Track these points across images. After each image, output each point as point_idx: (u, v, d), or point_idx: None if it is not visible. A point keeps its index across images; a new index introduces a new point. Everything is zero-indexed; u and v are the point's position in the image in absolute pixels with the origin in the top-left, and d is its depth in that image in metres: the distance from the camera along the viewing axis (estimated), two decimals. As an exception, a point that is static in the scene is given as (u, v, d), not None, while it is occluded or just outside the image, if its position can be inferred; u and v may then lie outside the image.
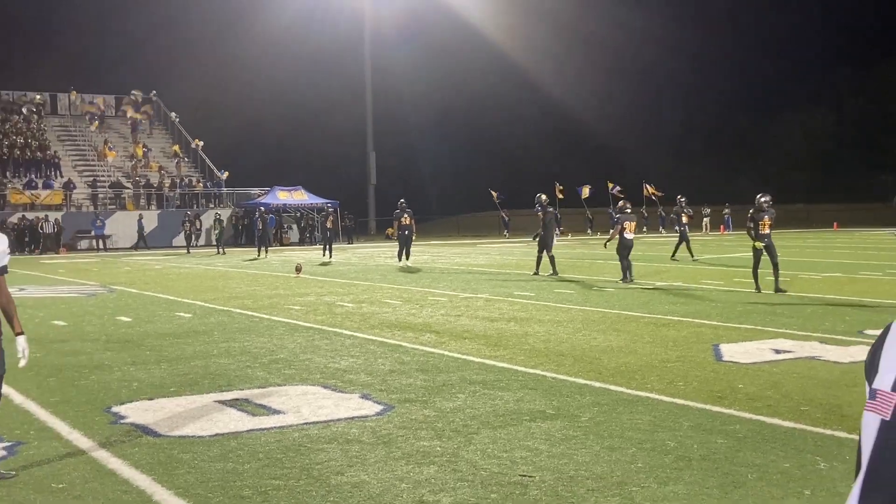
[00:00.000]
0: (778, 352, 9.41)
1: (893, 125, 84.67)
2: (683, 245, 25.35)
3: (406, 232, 25.52)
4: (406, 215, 25.72)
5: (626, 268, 17.80)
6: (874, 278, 18.10)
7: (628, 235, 17.65)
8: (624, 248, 17.83)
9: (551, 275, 20.08)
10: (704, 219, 54.39)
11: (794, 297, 14.99)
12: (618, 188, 51.74)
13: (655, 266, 20.45)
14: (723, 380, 7.98)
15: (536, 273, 20.30)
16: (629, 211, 17.93)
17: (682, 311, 13.21)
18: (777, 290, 15.06)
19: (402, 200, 26.20)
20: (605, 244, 18.33)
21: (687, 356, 9.22)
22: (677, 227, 25.15)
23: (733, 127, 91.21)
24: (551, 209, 20.61)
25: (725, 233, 53.28)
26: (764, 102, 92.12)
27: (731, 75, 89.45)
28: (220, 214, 40.41)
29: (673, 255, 25.18)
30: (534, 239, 20.98)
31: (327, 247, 29.99)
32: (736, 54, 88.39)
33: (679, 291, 16.16)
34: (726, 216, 55.77)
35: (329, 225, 30.38)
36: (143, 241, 43.02)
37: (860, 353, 9.30)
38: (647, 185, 52.54)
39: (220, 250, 37.28)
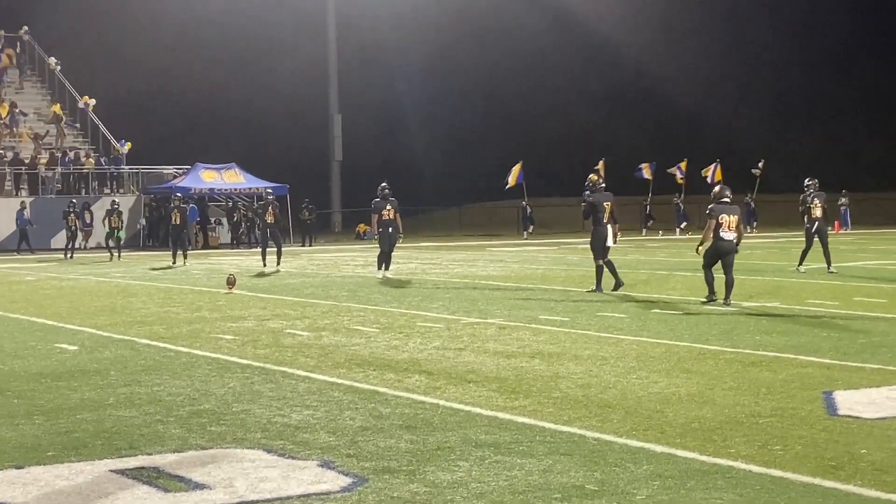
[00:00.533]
0: (917, 402, 9.42)
1: None
2: (812, 251, 24.76)
3: (390, 230, 25.52)
4: (389, 206, 25.71)
5: (709, 280, 17.78)
6: None
7: (726, 236, 17.61)
8: (714, 254, 17.74)
9: (614, 288, 20.21)
10: (842, 209, 54.56)
11: (941, 324, 15.03)
12: (714, 168, 52.02)
13: (741, 277, 20.32)
14: (839, 442, 7.97)
15: (596, 289, 20.23)
16: (728, 200, 17.86)
17: (779, 343, 13.22)
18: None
19: (383, 185, 26.21)
20: (697, 248, 18.21)
21: (787, 409, 9.22)
22: (807, 225, 24.74)
23: (852, 80, 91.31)
24: (599, 195, 20.44)
25: (841, 231, 53.40)
26: (891, 42, 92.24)
27: (844, 20, 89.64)
28: (116, 203, 40.21)
29: (800, 264, 24.84)
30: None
31: (277, 251, 29.97)
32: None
33: (776, 315, 16.17)
34: (842, 209, 55.93)
35: (270, 219, 30.22)
36: (27, 242, 42.92)
37: None
38: (717, 165, 52.71)
39: (116, 255, 37.24)
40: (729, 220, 17.68)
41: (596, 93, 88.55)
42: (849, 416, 8.88)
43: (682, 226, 53.45)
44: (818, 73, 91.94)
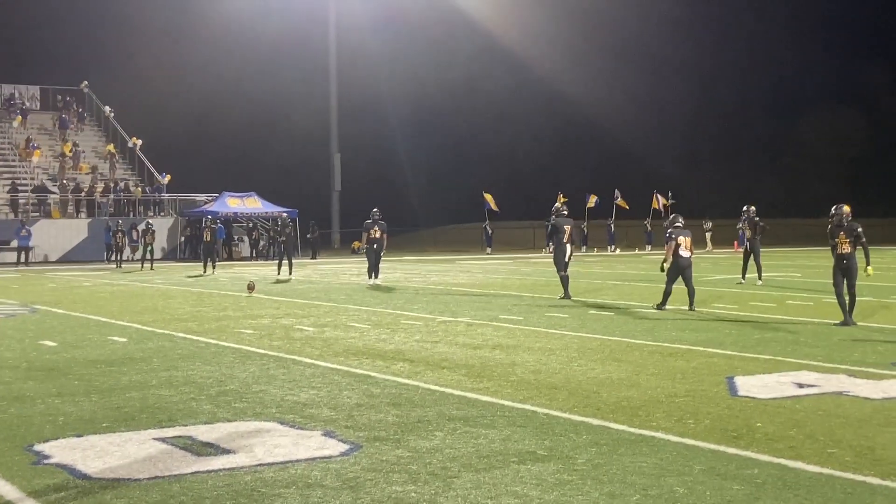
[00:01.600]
0: (801, 386, 9.48)
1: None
2: (751, 264, 24.50)
3: (375, 246, 25.57)
4: (377, 227, 25.77)
5: (667, 293, 17.35)
6: (910, 303, 18.29)
7: (684, 254, 17.47)
8: (676, 271, 17.46)
9: (563, 297, 19.95)
10: (706, 234, 55.00)
11: (819, 323, 15.11)
12: (662, 200, 52.21)
13: (658, 288, 20.45)
14: (738, 417, 8.02)
15: (565, 296, 19.95)
16: (681, 225, 17.71)
17: (691, 338, 13.28)
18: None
19: (374, 210, 26.27)
20: (662, 266, 17.82)
21: (698, 390, 9.27)
22: (746, 243, 24.53)
23: (749, 128, 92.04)
24: (562, 219, 20.27)
25: (740, 249, 53.55)
26: (785, 101, 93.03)
27: (749, 69, 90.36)
28: (151, 223, 40.07)
29: (742, 276, 24.46)
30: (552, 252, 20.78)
31: (288, 263, 29.89)
32: (756, 45, 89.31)
33: (688, 317, 16.23)
34: (741, 231, 56.11)
35: (288, 236, 30.37)
36: (26, 256, 41.26)
37: (894, 388, 9.38)
38: (659, 196, 52.94)
39: (149, 266, 36.79)
40: (685, 241, 17.55)
41: (546, 136, 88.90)
42: (747, 397, 8.94)
43: (612, 247, 53.59)
44: (722, 122, 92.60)
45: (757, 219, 24.67)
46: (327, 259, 46.69)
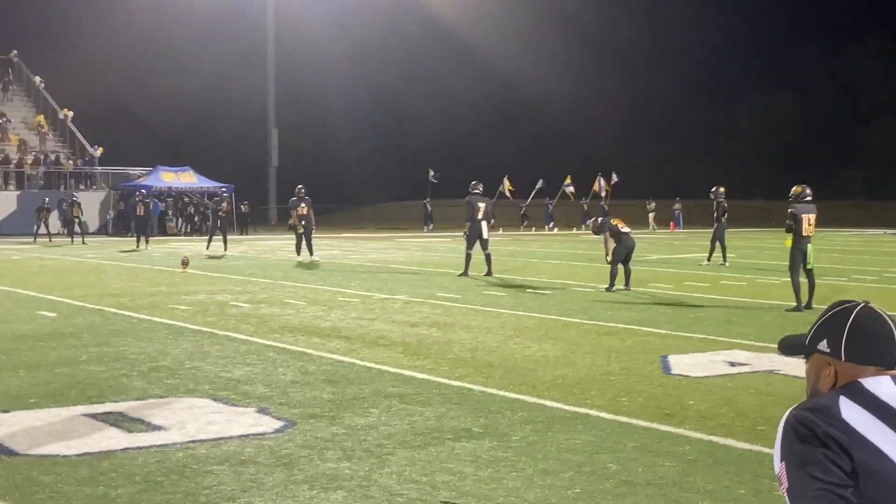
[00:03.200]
0: (733, 364, 9.64)
1: (866, 115, 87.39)
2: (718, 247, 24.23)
3: (304, 223, 25.61)
4: (303, 204, 25.79)
5: (615, 274, 17.09)
6: (838, 284, 18.67)
7: (626, 230, 17.41)
8: (623, 249, 17.22)
9: (461, 274, 20.23)
10: (650, 214, 55.57)
11: (751, 303, 15.37)
12: (605, 184, 52.33)
13: (596, 266, 20.68)
14: (671, 395, 8.14)
15: (465, 273, 20.35)
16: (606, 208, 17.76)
17: (626, 317, 13.43)
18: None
19: (299, 186, 26.35)
20: (607, 258, 17.61)
21: (632, 368, 9.38)
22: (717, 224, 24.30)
23: (687, 111, 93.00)
24: (476, 197, 20.53)
25: (675, 230, 54.28)
26: (723, 85, 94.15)
27: (687, 51, 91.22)
28: (76, 195, 39.34)
29: (709, 259, 24.38)
30: (464, 235, 21.07)
31: (222, 238, 29.59)
32: (693, 29, 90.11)
33: (623, 296, 16.41)
34: (676, 212, 56.82)
35: (225, 211, 30.08)
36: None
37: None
38: (602, 179, 53.12)
39: (80, 240, 36.11)
40: (619, 221, 17.58)
41: (488, 116, 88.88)
42: (680, 375, 9.07)
43: (551, 225, 53.86)
44: (661, 105, 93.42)
45: (722, 200, 24.60)
46: (264, 235, 46.34)
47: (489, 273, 20.17)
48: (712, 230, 24.61)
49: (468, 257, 20.51)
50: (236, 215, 48.27)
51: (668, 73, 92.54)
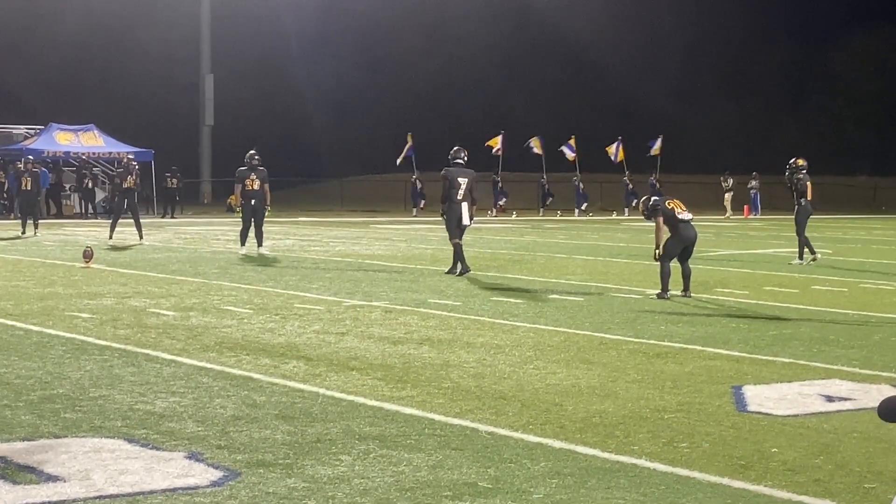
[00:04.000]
0: (830, 399, 9.63)
1: None
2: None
3: (253, 202, 25.38)
4: (254, 176, 25.53)
5: (668, 275, 17.06)
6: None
7: (685, 216, 17.26)
8: (678, 243, 17.24)
9: (450, 271, 20.46)
10: (726, 195, 55.35)
11: (855, 316, 15.38)
12: (617, 147, 52.48)
13: (642, 265, 20.59)
14: (748, 440, 8.12)
15: (453, 270, 20.44)
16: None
17: (685, 334, 13.41)
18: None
19: (251, 152, 26.07)
20: (655, 255, 17.49)
21: (694, 403, 9.37)
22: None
23: (764, 56, 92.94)
24: (456, 170, 20.66)
25: (751, 216, 54.38)
26: (812, 20, 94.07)
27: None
28: None
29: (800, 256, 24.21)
30: (442, 215, 21.22)
31: (136, 222, 29.54)
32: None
33: (681, 304, 16.40)
34: (752, 192, 56.87)
35: (130, 186, 29.67)
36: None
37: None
38: (620, 143, 53.33)
39: None
40: (676, 204, 17.49)
41: (492, 58, 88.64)
42: (759, 413, 9.05)
43: (583, 207, 53.88)
44: (730, 47, 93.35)
45: (803, 177, 24.37)
46: (193, 219, 46.34)
47: (455, 270, 20.36)
48: (793, 217, 24.55)
49: (457, 248, 20.62)
50: (158, 191, 48.28)
51: (739, 7, 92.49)
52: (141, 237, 29.14)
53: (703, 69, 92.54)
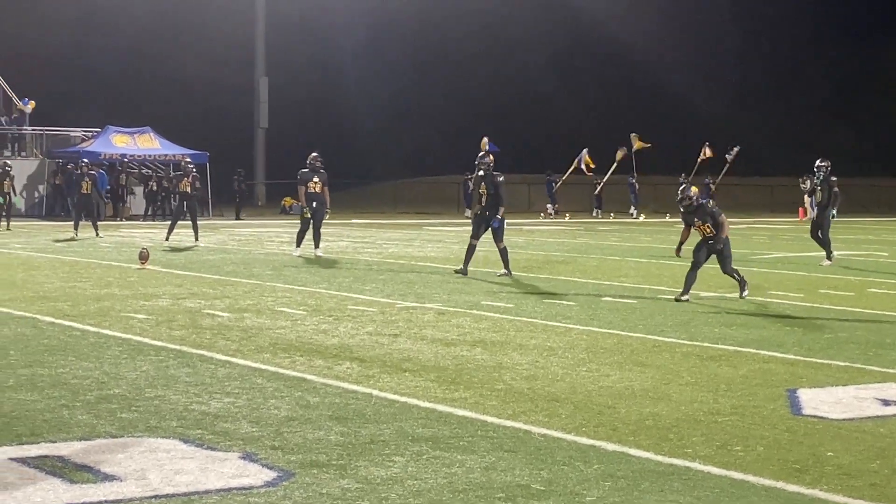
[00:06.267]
0: (886, 403, 9.57)
1: None
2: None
3: (314, 204, 25.42)
4: (317, 178, 25.57)
5: (691, 281, 17.02)
6: None
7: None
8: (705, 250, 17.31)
9: (503, 275, 20.57)
10: (806, 198, 54.92)
11: (911, 320, 15.25)
12: (709, 152, 51.93)
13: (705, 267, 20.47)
14: (802, 444, 8.07)
15: (462, 271, 20.53)
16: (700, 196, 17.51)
17: (740, 336, 13.34)
18: None
19: (314, 154, 26.06)
20: (678, 250, 17.47)
21: (748, 407, 9.32)
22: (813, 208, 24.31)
23: (818, 57, 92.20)
24: (498, 174, 20.85)
25: (805, 218, 53.89)
26: (865, 21, 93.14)
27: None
28: (8, 165, 39.30)
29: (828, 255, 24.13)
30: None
31: (193, 225, 29.71)
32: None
33: (736, 307, 16.31)
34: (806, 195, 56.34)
35: (186, 189, 29.86)
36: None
37: None
38: (708, 148, 52.71)
39: (5, 224, 36.44)
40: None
41: (544, 62, 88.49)
42: (814, 416, 8.99)
43: (634, 213, 53.64)
44: (783, 53, 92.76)
45: (834, 179, 24.48)
46: (249, 220, 46.58)
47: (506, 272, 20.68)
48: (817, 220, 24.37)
49: (471, 248, 20.94)
50: (211, 193, 48.57)
51: (792, 7, 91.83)
52: (197, 239, 29.32)
53: (756, 72, 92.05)
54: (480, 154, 21.55)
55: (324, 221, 26.09)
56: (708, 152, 52.63)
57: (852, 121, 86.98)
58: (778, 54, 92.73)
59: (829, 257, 24.05)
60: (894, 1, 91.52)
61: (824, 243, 24.21)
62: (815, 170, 24.91)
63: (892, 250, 29.66)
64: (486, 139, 47.97)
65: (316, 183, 25.49)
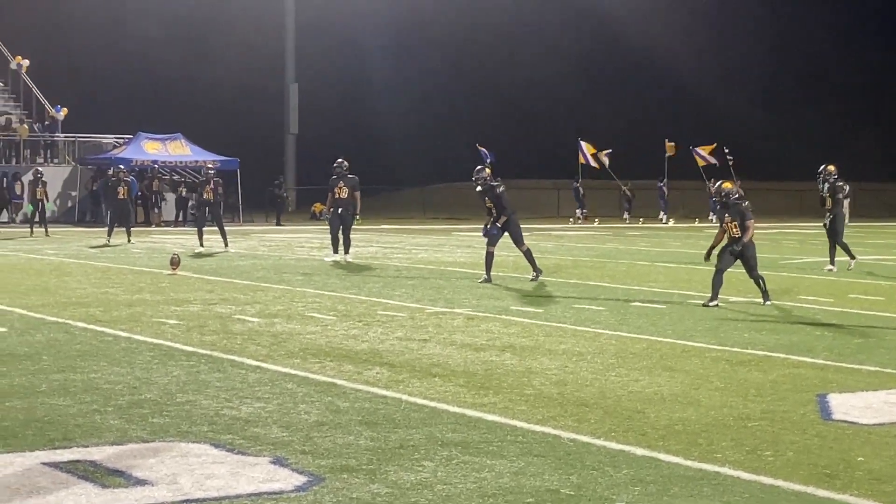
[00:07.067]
0: (917, 408, 9.51)
1: None
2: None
3: (341, 210, 25.44)
4: (342, 184, 25.57)
5: (718, 285, 16.98)
6: None
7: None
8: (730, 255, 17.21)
9: (534, 278, 20.73)
10: (844, 200, 54.80)
11: (942, 324, 15.16)
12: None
13: (729, 271, 20.34)
14: (833, 449, 8.04)
15: (486, 279, 20.53)
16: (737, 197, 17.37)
17: (770, 341, 13.29)
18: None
19: (340, 160, 26.05)
20: (707, 254, 17.46)
21: (778, 411, 9.29)
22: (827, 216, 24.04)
23: (846, 60, 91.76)
24: (498, 185, 21.02)
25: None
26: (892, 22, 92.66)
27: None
28: (40, 172, 39.70)
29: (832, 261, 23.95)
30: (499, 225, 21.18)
31: (220, 230, 29.80)
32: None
33: (765, 313, 16.25)
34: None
35: (209, 196, 29.87)
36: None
37: None
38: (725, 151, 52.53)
39: (43, 230, 36.86)
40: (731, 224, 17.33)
41: (572, 68, 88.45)
42: (844, 422, 8.95)
43: (664, 218, 53.53)
44: (813, 53, 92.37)
45: (840, 183, 24.30)
46: (275, 227, 46.68)
47: (536, 274, 20.87)
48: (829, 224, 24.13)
49: (489, 255, 20.98)
50: (268, 199, 48.72)
51: (822, 9, 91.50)
52: (226, 245, 29.38)
53: (782, 73, 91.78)
54: (476, 169, 21.60)
55: (352, 227, 26.11)
56: (708, 157, 52.27)
57: (881, 125, 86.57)
58: (806, 59, 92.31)
59: (851, 257, 23.78)
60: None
61: (844, 248, 23.99)
62: (823, 177, 24.61)
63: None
64: (482, 148, 48.17)
65: (342, 188, 25.50)
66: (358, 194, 25.86)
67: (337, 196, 25.53)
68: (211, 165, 33.18)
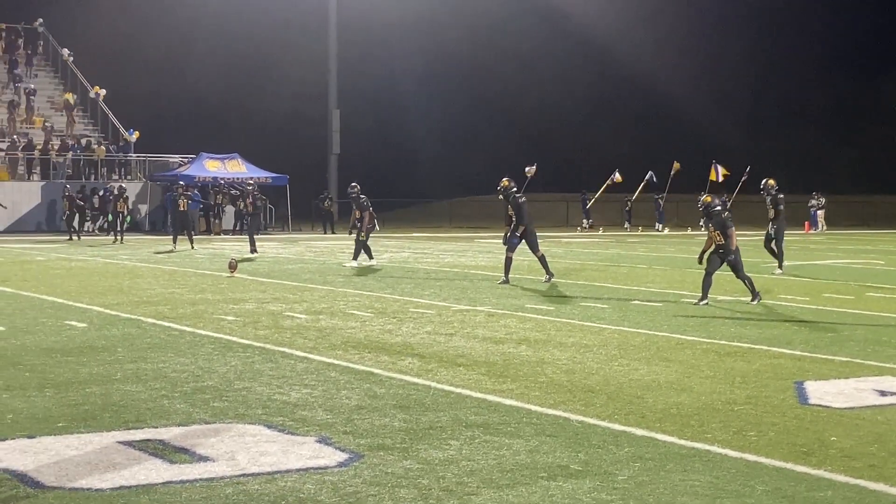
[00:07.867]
0: (883, 394, 9.48)
1: None
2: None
3: (351, 232, 25.68)
4: (354, 206, 25.60)
5: (707, 286, 16.92)
6: None
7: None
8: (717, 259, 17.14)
9: (547, 280, 20.66)
10: (818, 212, 54.97)
11: (906, 320, 15.08)
12: (722, 170, 51.29)
13: (717, 273, 20.32)
14: (809, 430, 8.03)
15: (504, 281, 20.46)
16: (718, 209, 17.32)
17: (753, 335, 13.26)
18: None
19: (353, 184, 26.23)
20: (700, 258, 17.44)
21: (760, 397, 9.27)
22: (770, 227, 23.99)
23: (824, 89, 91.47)
24: (520, 196, 21.10)
25: (811, 231, 53.50)
26: (866, 57, 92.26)
27: (822, 16, 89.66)
28: (124, 188, 40.63)
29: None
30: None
31: (249, 239, 29.78)
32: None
33: (749, 310, 16.21)
34: (812, 210, 56.02)
35: (248, 207, 30.22)
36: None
37: None
38: (719, 166, 52.19)
39: (119, 238, 37.35)
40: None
41: (582, 94, 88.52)
42: (819, 406, 8.93)
43: (659, 227, 53.35)
44: (792, 82, 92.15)
45: (781, 196, 24.04)
46: (323, 235, 46.77)
47: (548, 277, 20.81)
48: (770, 231, 23.91)
49: (508, 260, 20.95)
50: (315, 212, 48.68)
51: (800, 43, 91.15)
52: (252, 251, 29.10)
53: (766, 100, 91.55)
54: (502, 178, 21.52)
55: (371, 235, 26.15)
56: (721, 172, 51.94)
57: (853, 145, 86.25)
58: (787, 88, 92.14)
59: (780, 266, 23.53)
60: (891, 40, 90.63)
61: (778, 254, 23.77)
62: (765, 189, 24.27)
63: (888, 259, 29.33)
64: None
65: (355, 210, 25.68)
66: (365, 214, 25.36)
67: (355, 215, 25.66)
68: (251, 181, 33.35)
